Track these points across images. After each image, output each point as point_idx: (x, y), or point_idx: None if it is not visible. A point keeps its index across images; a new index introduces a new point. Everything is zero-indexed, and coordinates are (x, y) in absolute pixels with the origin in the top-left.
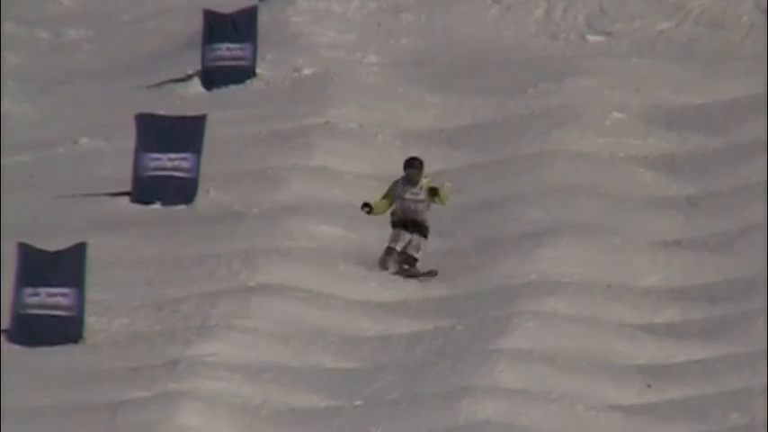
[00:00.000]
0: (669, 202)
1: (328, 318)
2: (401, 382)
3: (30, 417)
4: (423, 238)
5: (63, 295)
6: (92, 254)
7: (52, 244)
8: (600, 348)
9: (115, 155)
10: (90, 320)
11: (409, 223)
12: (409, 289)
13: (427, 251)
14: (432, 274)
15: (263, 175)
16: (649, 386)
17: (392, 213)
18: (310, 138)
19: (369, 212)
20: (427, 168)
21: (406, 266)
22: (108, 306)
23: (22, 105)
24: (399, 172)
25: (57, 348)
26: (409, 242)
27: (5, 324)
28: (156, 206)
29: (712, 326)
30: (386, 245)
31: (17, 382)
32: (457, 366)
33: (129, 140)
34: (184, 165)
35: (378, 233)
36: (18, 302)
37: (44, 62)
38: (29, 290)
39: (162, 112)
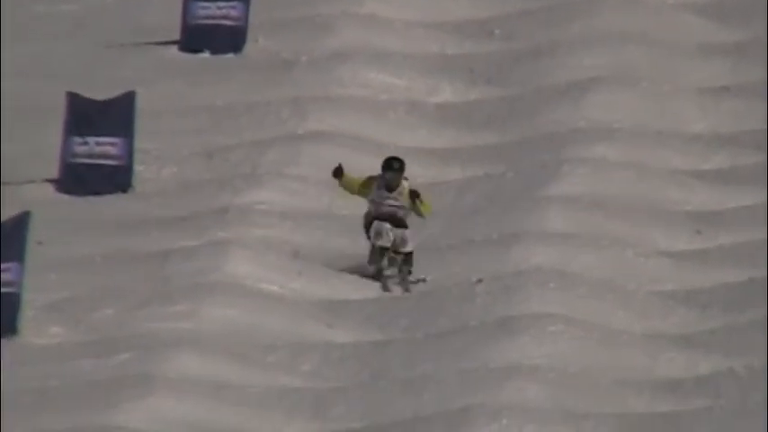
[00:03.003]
0: (717, 49)
1: (378, 165)
2: (452, 228)
3: (79, 265)
4: (405, 229)
5: (112, 144)
6: (140, 103)
7: (100, 93)
8: (650, 195)
9: (163, 3)
10: (139, 169)
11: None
12: (459, 136)
13: (479, 97)
14: (422, 280)
15: (312, 22)
16: (699, 232)
17: (366, 215)
18: None
19: (337, 176)
20: (476, 14)
21: (409, 270)
22: (157, 155)
23: None
24: (449, 18)
25: (106, 197)
26: (393, 240)
27: (56, 173)
28: (205, 54)
29: (760, 172)
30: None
31: (66, 230)
32: (507, 213)
33: None
34: (233, 13)
35: (427, 81)
36: (67, 151)
37: None
38: (77, 139)
39: None
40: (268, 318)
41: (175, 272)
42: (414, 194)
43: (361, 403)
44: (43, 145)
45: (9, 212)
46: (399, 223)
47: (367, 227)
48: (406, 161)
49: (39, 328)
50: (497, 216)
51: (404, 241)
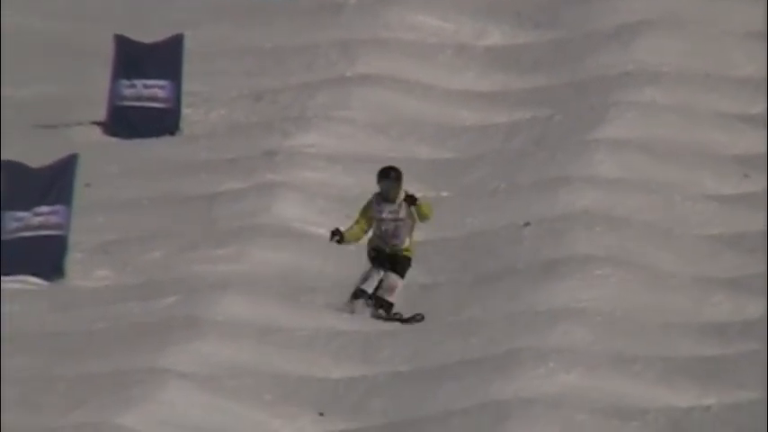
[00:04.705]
0: None
1: (426, 108)
2: (499, 171)
3: (126, 208)
4: (399, 278)
5: (160, 87)
6: (188, 45)
7: (149, 35)
8: (698, 138)
9: None
10: (187, 112)
11: (388, 258)
12: (507, 79)
13: (527, 41)
14: (417, 319)
15: None
16: (747, 176)
17: (369, 241)
18: None
19: (339, 242)
20: None
21: (381, 312)
22: (205, 97)
23: None
24: None
25: (153, 140)
26: (380, 283)
27: (103, 116)
28: None
29: None
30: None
31: (114, 173)
32: (555, 156)
33: None
34: None
35: (475, 24)
36: (115, 94)
37: None
38: (125, 82)
39: None
40: (316, 260)
41: (223, 214)
42: (409, 200)
43: (408, 346)
44: (91, 88)
45: (57, 155)
46: (397, 266)
47: (369, 254)
48: (455, 104)
49: (86, 270)
50: (545, 159)
51: (389, 289)
